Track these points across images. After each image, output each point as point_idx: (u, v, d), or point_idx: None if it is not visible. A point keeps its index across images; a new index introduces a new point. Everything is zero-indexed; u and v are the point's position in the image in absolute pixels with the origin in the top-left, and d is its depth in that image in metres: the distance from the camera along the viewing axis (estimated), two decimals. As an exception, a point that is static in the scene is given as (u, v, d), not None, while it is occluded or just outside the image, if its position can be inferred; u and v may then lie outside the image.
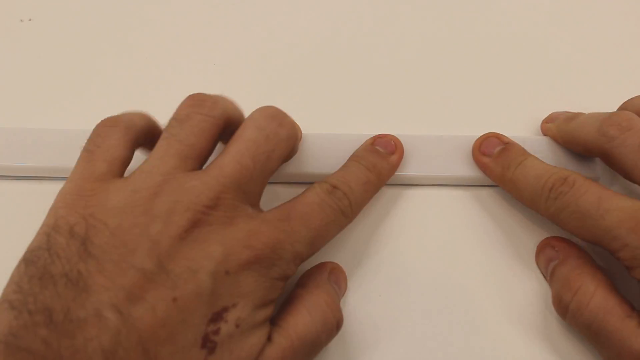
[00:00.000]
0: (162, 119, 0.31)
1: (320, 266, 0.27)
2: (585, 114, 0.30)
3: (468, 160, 0.31)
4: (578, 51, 0.37)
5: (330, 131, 0.32)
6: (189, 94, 0.26)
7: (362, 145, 0.30)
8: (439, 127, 0.34)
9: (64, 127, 0.32)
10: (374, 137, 0.31)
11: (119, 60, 0.37)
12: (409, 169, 0.31)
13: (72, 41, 0.38)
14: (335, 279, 0.27)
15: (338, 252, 0.29)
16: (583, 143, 0.28)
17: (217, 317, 0.21)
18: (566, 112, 0.32)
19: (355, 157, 0.29)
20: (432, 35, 0.38)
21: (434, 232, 0.30)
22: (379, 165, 0.29)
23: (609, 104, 0.31)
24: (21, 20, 0.39)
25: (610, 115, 0.27)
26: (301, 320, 0.23)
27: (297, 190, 0.28)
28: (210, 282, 0.21)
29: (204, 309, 0.21)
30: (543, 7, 0.40)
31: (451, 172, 0.31)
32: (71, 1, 0.40)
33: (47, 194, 0.24)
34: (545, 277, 0.28)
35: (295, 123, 0.27)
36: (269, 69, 0.37)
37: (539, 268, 0.28)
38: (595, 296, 0.24)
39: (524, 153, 0.29)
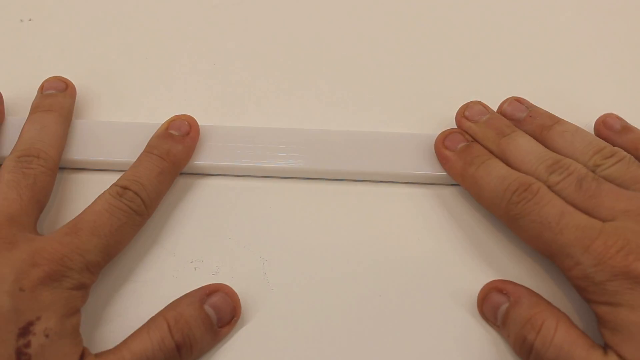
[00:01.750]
0: (161, 118, 0.31)
1: (201, 288, 0.26)
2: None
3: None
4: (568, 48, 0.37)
5: (329, 128, 0.32)
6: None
7: (156, 131, 0.30)
8: (412, 125, 0.34)
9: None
10: (168, 120, 0.31)
11: (118, 60, 0.37)
12: (386, 166, 0.31)
13: (72, 41, 0.38)
14: (214, 302, 0.26)
15: (335, 252, 0.29)
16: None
17: (24, 331, 0.22)
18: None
19: (148, 147, 0.30)
20: (425, 33, 0.38)
21: (421, 231, 0.30)
22: (174, 150, 0.29)
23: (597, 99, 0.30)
24: (21, 20, 0.39)
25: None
26: (138, 339, 0.24)
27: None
28: (9, 300, 0.22)
29: (9, 326, 0.22)
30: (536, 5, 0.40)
31: (419, 170, 0.31)
32: (71, 1, 0.40)
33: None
34: (493, 325, 0.26)
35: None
36: (268, 68, 0.36)
37: (484, 316, 0.27)
38: (559, 330, 0.24)
39: (487, 153, 0.29)
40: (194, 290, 0.26)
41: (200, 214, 0.30)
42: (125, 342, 0.24)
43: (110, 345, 0.24)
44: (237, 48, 0.38)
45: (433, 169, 0.31)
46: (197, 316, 0.25)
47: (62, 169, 0.31)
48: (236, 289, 0.27)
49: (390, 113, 0.34)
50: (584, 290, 0.24)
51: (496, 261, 0.29)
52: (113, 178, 0.28)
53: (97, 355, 0.24)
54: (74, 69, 0.36)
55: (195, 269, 0.28)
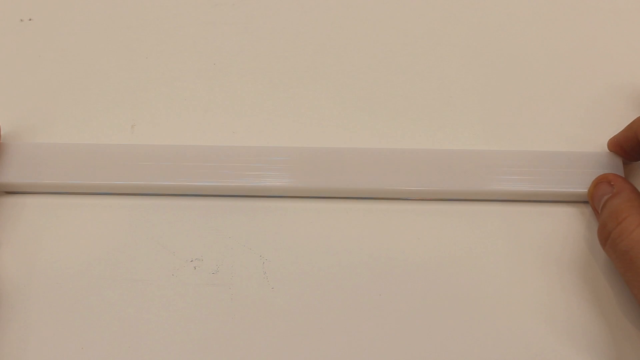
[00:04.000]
0: (161, 118, 0.31)
1: None
2: None
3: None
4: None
5: (328, 133, 0.32)
6: None
7: None
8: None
9: (63, 126, 0.32)
10: None
11: (119, 60, 0.37)
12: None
13: (72, 41, 0.38)
14: None
15: (334, 251, 0.29)
16: None
17: None
18: None
19: None
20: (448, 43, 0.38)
21: (436, 239, 0.30)
22: None
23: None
24: (21, 20, 0.39)
25: None
26: None
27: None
28: None
29: None
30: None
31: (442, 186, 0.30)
32: (71, 1, 0.40)
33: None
34: (596, 212, 0.28)
35: None
36: (268, 69, 0.36)
37: (592, 203, 0.29)
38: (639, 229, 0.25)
39: None
40: None
41: (200, 214, 0.30)
42: None
43: (111, 344, 0.24)
44: (238, 48, 0.37)
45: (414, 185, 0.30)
46: None
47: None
48: (236, 288, 0.27)
49: (393, 126, 0.34)
50: None
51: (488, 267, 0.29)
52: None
53: None
54: (73, 69, 0.36)
55: (195, 269, 0.28)
